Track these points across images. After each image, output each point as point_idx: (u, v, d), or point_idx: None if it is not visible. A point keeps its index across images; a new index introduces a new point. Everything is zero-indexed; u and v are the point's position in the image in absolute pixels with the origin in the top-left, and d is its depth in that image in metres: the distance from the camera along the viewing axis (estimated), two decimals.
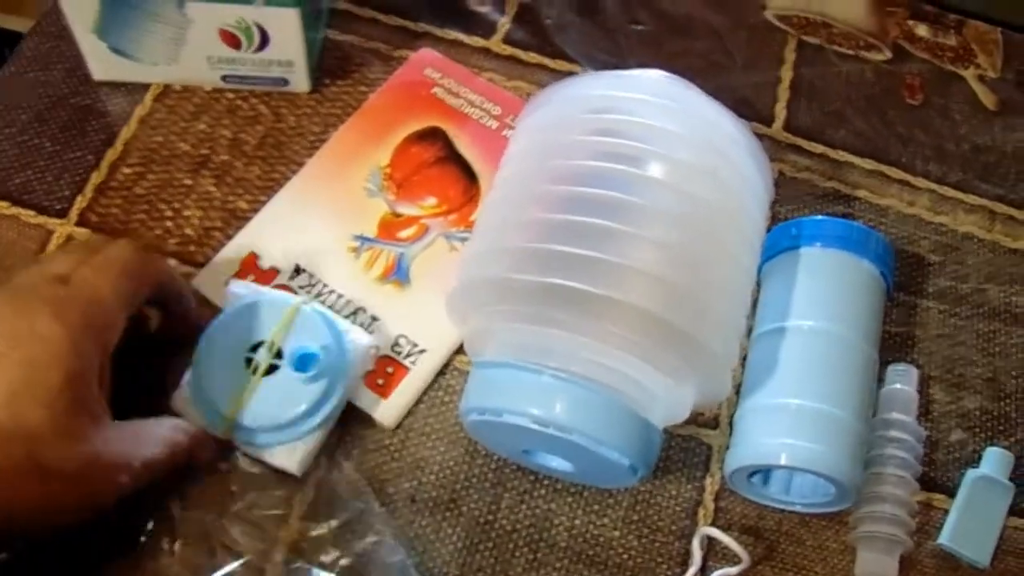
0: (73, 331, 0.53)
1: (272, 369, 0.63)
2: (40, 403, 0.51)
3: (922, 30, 0.89)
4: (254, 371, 0.62)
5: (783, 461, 0.62)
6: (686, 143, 0.62)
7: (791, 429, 0.63)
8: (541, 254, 0.58)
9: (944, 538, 0.67)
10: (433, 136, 0.76)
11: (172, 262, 0.71)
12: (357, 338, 0.65)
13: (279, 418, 0.62)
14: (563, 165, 0.62)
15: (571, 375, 0.58)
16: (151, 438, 0.59)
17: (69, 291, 0.55)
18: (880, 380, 0.69)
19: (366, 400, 0.66)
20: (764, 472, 0.65)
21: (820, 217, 0.70)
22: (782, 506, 0.67)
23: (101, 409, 0.55)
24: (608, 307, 0.57)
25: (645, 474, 0.61)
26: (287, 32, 0.72)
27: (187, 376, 0.64)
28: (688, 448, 0.68)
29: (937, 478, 0.69)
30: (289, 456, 0.63)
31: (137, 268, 0.59)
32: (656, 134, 0.62)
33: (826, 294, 0.67)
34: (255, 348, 0.63)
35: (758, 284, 0.70)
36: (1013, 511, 0.68)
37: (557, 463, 0.63)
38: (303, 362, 0.62)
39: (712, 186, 0.62)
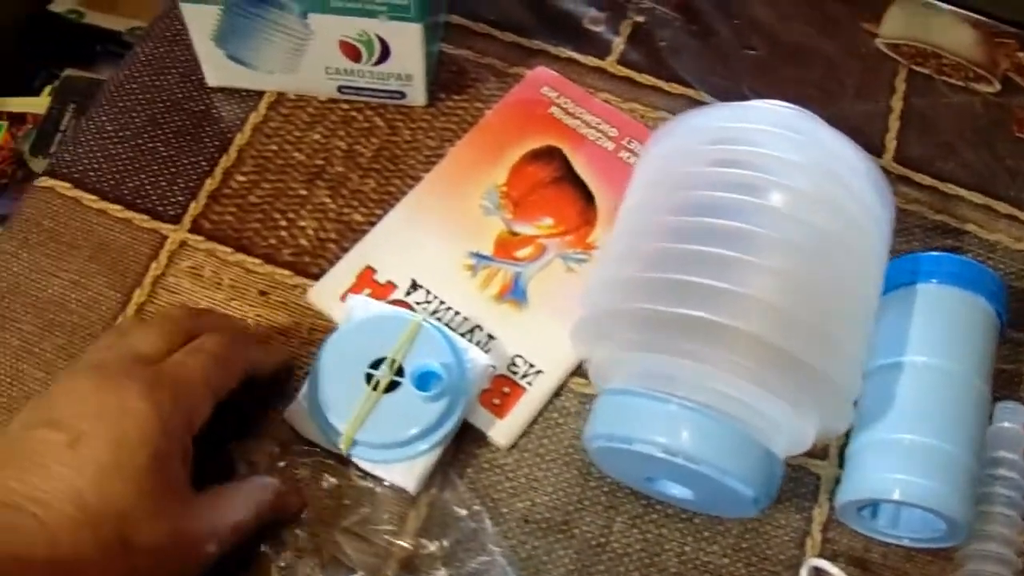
0: (161, 410, 0.54)
1: (393, 386, 0.63)
2: (129, 482, 0.52)
3: None
4: (375, 387, 0.63)
5: (896, 496, 0.62)
6: (808, 173, 0.62)
7: (905, 464, 0.63)
8: (668, 284, 0.59)
9: None
10: (550, 155, 0.76)
11: (286, 272, 0.71)
12: (476, 357, 0.66)
13: (398, 436, 0.63)
14: (687, 195, 0.63)
15: (697, 404, 0.58)
16: (236, 503, 0.59)
17: (158, 371, 0.56)
18: (989, 417, 0.69)
19: (482, 419, 0.66)
20: (873, 505, 0.65)
21: (936, 254, 0.70)
22: (889, 539, 0.66)
23: (186, 486, 0.56)
24: (733, 336, 0.57)
25: (767, 505, 0.61)
26: (408, 46, 0.72)
27: (304, 389, 0.65)
28: (797, 478, 0.68)
29: None
30: (406, 474, 0.64)
31: (229, 358, 0.60)
32: (778, 164, 0.62)
33: (942, 330, 0.67)
34: (375, 364, 0.64)
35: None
36: None
37: (679, 491, 0.64)
38: (424, 380, 0.63)
39: (834, 216, 0.62)
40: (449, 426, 0.64)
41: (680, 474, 0.60)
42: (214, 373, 0.59)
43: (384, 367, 0.64)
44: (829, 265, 0.61)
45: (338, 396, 0.63)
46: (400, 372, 0.64)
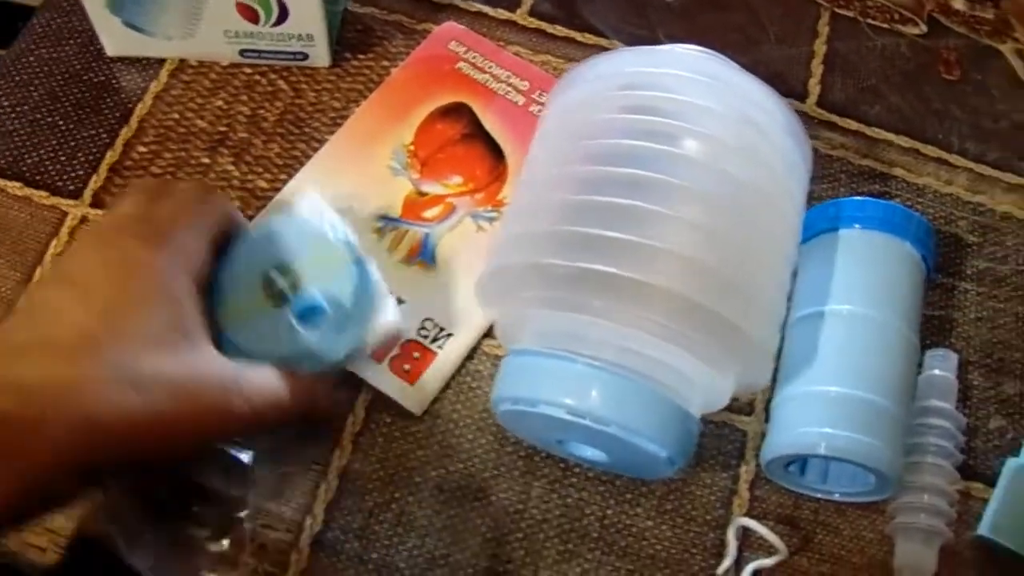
0: (161, 256, 0.55)
1: (285, 300, 0.60)
2: (139, 319, 0.52)
3: (958, 3, 0.86)
4: (268, 293, 0.60)
5: (822, 451, 0.60)
6: (723, 120, 0.60)
7: (830, 417, 0.61)
8: (573, 237, 0.56)
9: (984, 528, 0.65)
10: (458, 112, 0.74)
11: None
12: (388, 315, 0.62)
13: (255, 349, 0.59)
14: (595, 144, 0.60)
15: (606, 363, 0.56)
16: (265, 371, 0.57)
17: (152, 224, 0.56)
18: (919, 365, 0.67)
19: (392, 386, 0.64)
20: (801, 461, 0.64)
21: (860, 198, 0.68)
22: (819, 495, 0.65)
23: (199, 332, 0.55)
24: (643, 292, 0.54)
25: (682, 464, 0.59)
26: (307, 5, 0.70)
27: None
28: (722, 435, 0.66)
29: (976, 466, 0.67)
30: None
31: (207, 198, 0.60)
32: (691, 111, 0.60)
33: (866, 278, 0.65)
34: (285, 270, 0.60)
35: (796, 267, 0.68)
36: None
37: (592, 453, 0.61)
38: (309, 312, 0.59)
39: (750, 164, 0.60)
40: (318, 361, 0.59)
41: (590, 436, 0.58)
42: (198, 212, 0.59)
43: (284, 279, 0.60)
44: (743, 216, 0.59)
45: (235, 286, 0.60)
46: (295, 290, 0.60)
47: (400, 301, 0.66)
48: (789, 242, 0.63)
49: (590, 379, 0.56)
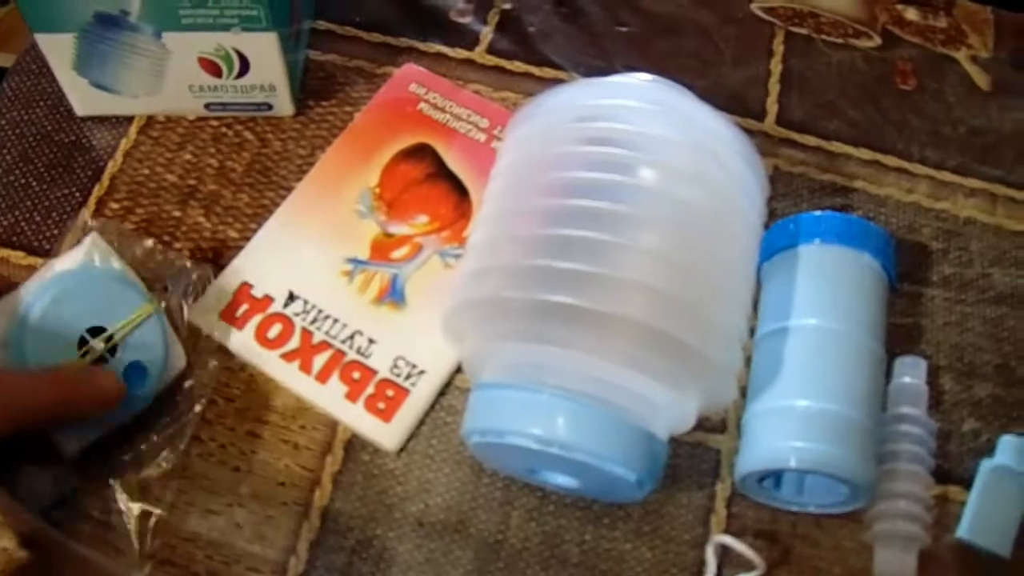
0: None
1: (99, 360, 0.62)
2: None
3: (911, 14, 0.88)
4: (83, 355, 0.61)
5: (793, 464, 0.61)
6: (676, 148, 0.61)
7: (799, 431, 0.62)
8: (532, 271, 0.57)
9: (962, 531, 0.66)
10: (421, 153, 0.75)
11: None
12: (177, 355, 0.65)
13: None
14: (552, 177, 0.61)
15: (570, 392, 0.57)
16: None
17: None
18: (888, 373, 0.68)
19: (368, 425, 0.65)
20: (775, 475, 0.64)
21: (818, 213, 0.69)
22: (795, 508, 0.65)
23: None
24: (603, 321, 0.56)
25: (652, 487, 0.60)
26: (266, 56, 0.71)
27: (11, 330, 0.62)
28: (696, 455, 0.67)
29: (952, 470, 0.68)
30: (68, 442, 0.62)
31: None
32: (646, 140, 0.61)
33: (827, 291, 0.66)
34: (93, 331, 0.62)
35: (759, 284, 0.69)
36: None
37: (563, 480, 0.62)
38: (135, 372, 0.62)
39: (705, 191, 0.61)
40: (121, 417, 0.62)
41: (560, 464, 0.59)
42: None
43: (98, 340, 0.62)
44: (700, 242, 0.60)
45: (44, 348, 0.61)
46: (113, 351, 0.62)
47: (371, 341, 0.67)
48: (746, 264, 0.64)
49: (556, 408, 0.56)
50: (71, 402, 0.59)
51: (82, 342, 0.62)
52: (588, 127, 0.63)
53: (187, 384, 0.66)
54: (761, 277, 0.69)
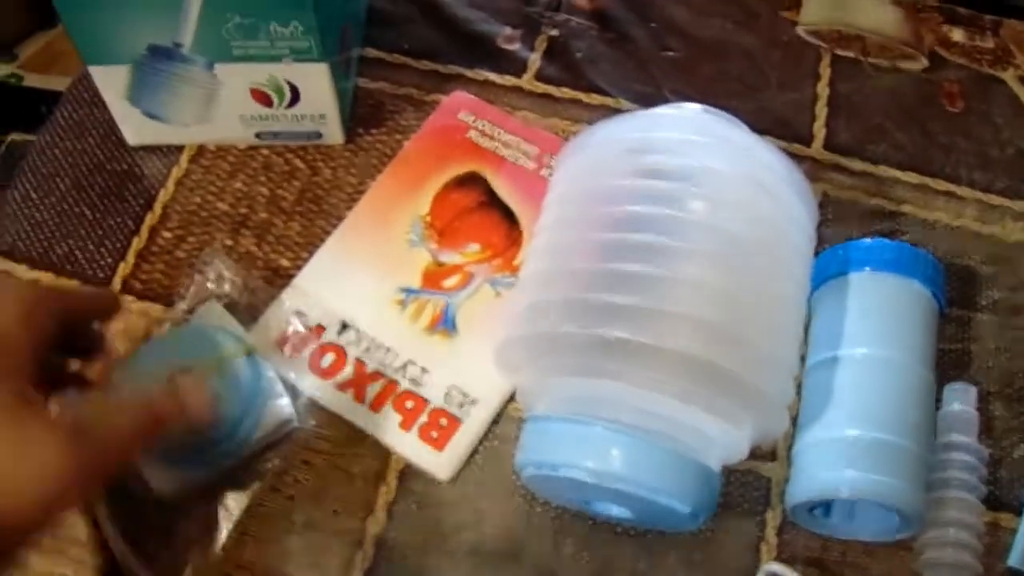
0: None
1: None
2: None
3: (957, 35, 0.88)
4: None
5: (844, 494, 0.61)
6: (726, 179, 0.62)
7: (850, 460, 0.62)
8: (586, 305, 0.58)
9: (1014, 560, 0.66)
10: (472, 181, 0.76)
11: None
12: (276, 409, 0.66)
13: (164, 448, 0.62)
14: (604, 211, 0.62)
15: (624, 425, 0.57)
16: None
17: None
18: (938, 400, 0.68)
19: (421, 454, 0.66)
20: (825, 504, 0.65)
21: (867, 240, 0.69)
22: (846, 536, 0.66)
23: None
24: (658, 356, 0.56)
25: (706, 517, 0.61)
26: (317, 86, 0.72)
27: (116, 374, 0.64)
28: (747, 483, 0.67)
29: (1003, 496, 0.68)
30: (160, 480, 0.63)
31: (28, 295, 0.57)
32: (696, 173, 0.61)
33: (878, 319, 0.67)
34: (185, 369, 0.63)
35: (810, 312, 0.69)
36: None
37: (618, 511, 0.63)
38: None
39: (755, 222, 0.61)
40: (213, 456, 0.64)
41: (614, 496, 0.59)
42: (16, 309, 0.55)
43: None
44: (751, 274, 0.60)
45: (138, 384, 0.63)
46: None
47: (424, 371, 0.68)
48: (798, 295, 0.64)
49: (609, 442, 0.57)
50: (158, 418, 0.58)
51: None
52: (639, 159, 0.63)
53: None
54: (811, 305, 0.69)
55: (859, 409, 0.64)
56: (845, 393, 0.64)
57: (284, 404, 0.66)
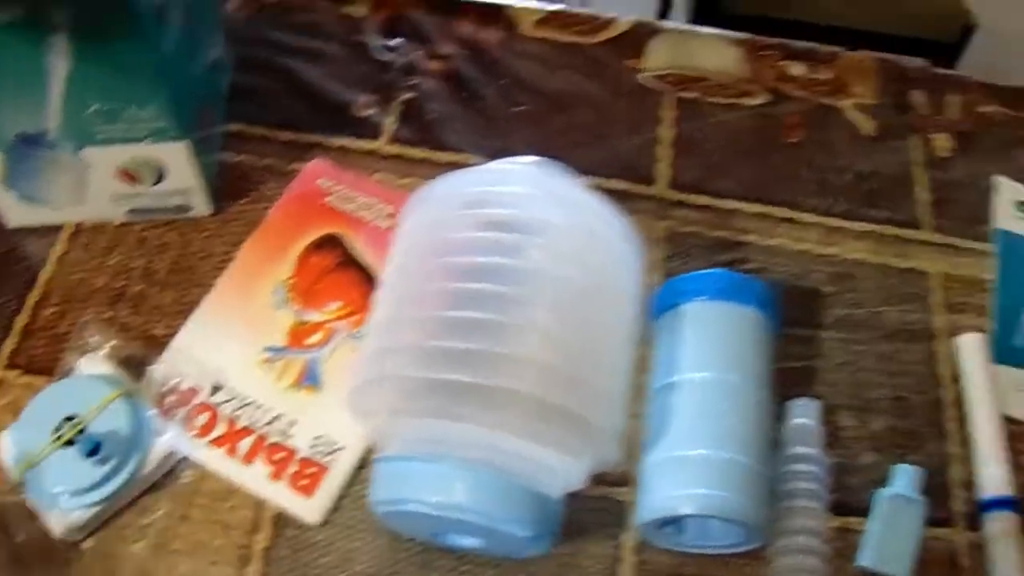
0: None
1: (71, 442, 0.68)
2: None
3: (796, 69, 0.93)
4: (56, 439, 0.68)
5: (685, 511, 0.64)
6: (558, 230, 0.66)
7: (690, 479, 0.66)
8: (430, 350, 0.62)
9: (863, 559, 0.69)
10: (331, 243, 0.80)
11: None
12: (161, 443, 0.70)
13: (54, 487, 0.67)
14: (446, 262, 0.66)
15: (467, 461, 0.61)
16: None
17: None
18: (779, 417, 0.72)
19: (291, 501, 0.69)
20: (677, 521, 0.68)
21: (700, 272, 0.73)
22: (700, 551, 0.69)
23: None
24: (498, 396, 0.60)
25: (551, 540, 0.65)
26: (180, 164, 0.76)
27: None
28: (602, 508, 0.71)
29: (852, 502, 0.71)
30: (59, 521, 0.67)
31: None
32: (529, 224, 0.65)
33: (713, 345, 0.70)
34: (71, 418, 0.69)
35: (652, 341, 0.73)
36: (933, 522, 0.71)
37: (469, 542, 0.66)
38: (90, 445, 0.67)
39: (586, 269, 0.66)
40: (107, 490, 0.67)
41: (462, 527, 0.63)
42: None
43: (67, 424, 0.68)
44: (586, 318, 0.65)
45: (29, 437, 0.68)
46: (82, 432, 0.68)
47: (292, 423, 0.71)
48: (627, 334, 0.68)
49: (451, 477, 0.61)
50: None
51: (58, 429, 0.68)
52: (478, 213, 0.67)
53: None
54: (653, 334, 0.74)
55: (697, 430, 0.67)
56: (684, 415, 0.68)
57: (166, 439, 0.70)
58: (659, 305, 0.73)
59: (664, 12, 1.63)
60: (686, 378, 0.69)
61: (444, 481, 0.61)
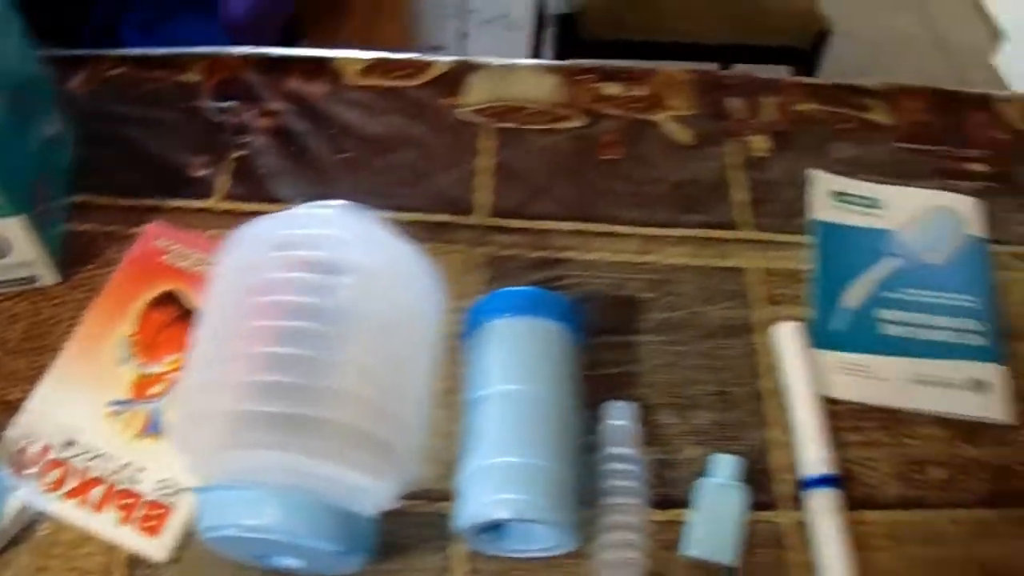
0: None
1: None
2: None
3: (612, 89, 0.98)
4: None
5: (493, 515, 0.69)
6: (364, 270, 0.71)
7: (497, 485, 0.70)
8: (244, 386, 0.66)
9: (688, 548, 0.74)
10: (169, 299, 0.84)
11: None
12: (15, 499, 0.75)
13: None
14: (260, 302, 0.70)
15: (280, 487, 0.65)
16: None
17: None
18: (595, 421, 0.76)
19: (139, 543, 0.74)
20: (499, 527, 0.72)
21: (502, 291, 0.78)
22: (526, 555, 0.73)
23: None
24: (308, 426, 0.65)
25: (365, 556, 0.69)
26: (20, 238, 0.80)
27: None
28: (429, 523, 0.74)
29: (676, 495, 0.75)
30: None
31: None
32: (337, 265, 0.70)
33: (515, 358, 0.75)
34: None
35: (465, 358, 0.78)
36: (759, 506, 0.75)
37: (290, 562, 0.70)
38: None
39: (391, 305, 0.71)
40: None
41: (279, 548, 0.67)
42: None
43: None
44: (391, 351, 0.70)
45: None
46: None
47: (140, 470, 0.76)
48: (429, 363, 0.73)
49: (263, 501, 0.65)
50: None
51: None
52: (286, 255, 0.71)
53: None
54: (466, 352, 0.78)
55: (503, 439, 0.72)
56: (492, 426, 0.73)
57: (20, 496, 0.75)
58: (469, 325, 0.78)
59: (537, 50, 1.68)
60: (493, 391, 0.74)
61: (256, 505, 0.66)
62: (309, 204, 0.75)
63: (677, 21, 1.66)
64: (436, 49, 2.21)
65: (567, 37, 1.68)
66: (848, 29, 1.90)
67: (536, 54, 1.66)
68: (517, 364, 0.75)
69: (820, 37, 1.70)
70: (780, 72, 1.59)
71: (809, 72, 1.72)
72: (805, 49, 1.71)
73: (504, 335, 0.76)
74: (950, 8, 2.70)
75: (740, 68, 1.05)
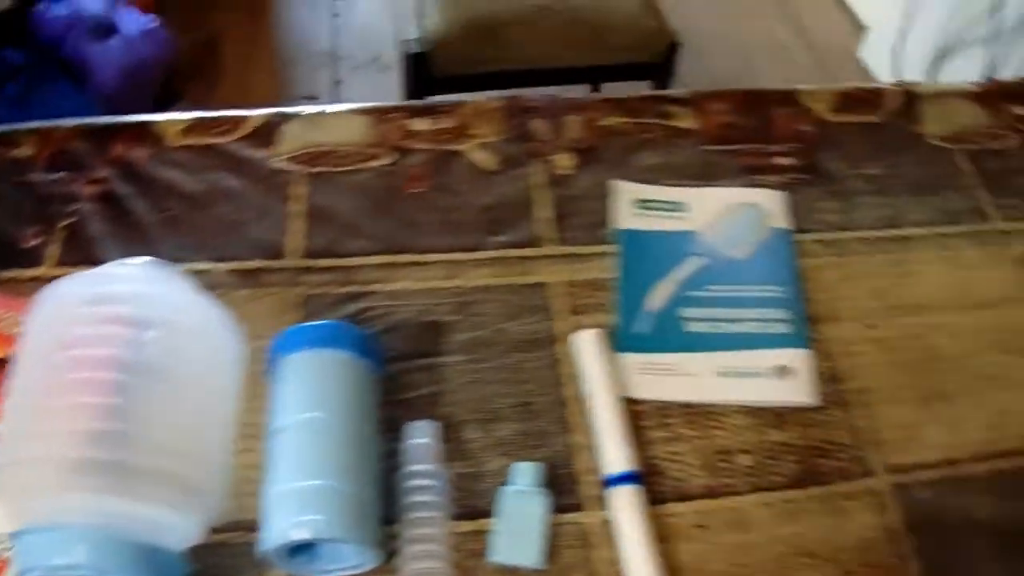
0: None
1: None
2: None
3: (420, 124, 1.03)
4: None
5: (295, 537, 0.72)
6: (167, 324, 0.76)
7: (298, 508, 0.74)
8: (60, 434, 0.71)
9: (494, 554, 0.78)
10: (3, 366, 0.88)
11: None
12: None
13: None
14: (69, 355, 0.75)
15: (88, 526, 0.70)
16: None
17: None
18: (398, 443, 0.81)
19: None
20: (310, 549, 0.76)
21: (295, 327, 0.83)
22: (336, 574, 0.77)
23: None
24: (121, 471, 0.70)
25: None
26: None
27: None
28: (243, 552, 0.77)
29: (481, 505, 0.79)
30: None
31: None
32: (140, 319, 0.75)
33: (309, 389, 0.80)
34: None
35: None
36: (564, 509, 0.79)
37: None
38: None
39: (195, 358, 0.77)
40: None
41: None
42: None
43: None
44: (193, 398, 0.76)
45: None
46: None
47: None
48: (229, 407, 0.79)
49: (72, 540, 0.70)
50: None
51: None
52: (95, 310, 0.77)
53: None
54: (268, 384, 0.82)
55: (301, 463, 0.76)
56: (290, 452, 0.77)
57: None
58: (270, 362, 0.83)
59: (418, 92, 1.74)
60: (291, 421, 0.78)
61: (66, 544, 0.70)
62: (118, 262, 0.80)
63: (525, 50, 1.70)
64: (310, 99, 2.28)
65: (420, 76, 1.72)
66: (716, 38, 1.94)
67: (415, 95, 1.71)
68: (312, 394, 0.80)
69: (672, 50, 1.73)
70: (643, 88, 1.65)
71: (665, 86, 1.76)
72: (657, 64, 1.74)
73: (298, 368, 0.81)
74: (812, 7, 2.74)
75: (546, 91, 1.08)
